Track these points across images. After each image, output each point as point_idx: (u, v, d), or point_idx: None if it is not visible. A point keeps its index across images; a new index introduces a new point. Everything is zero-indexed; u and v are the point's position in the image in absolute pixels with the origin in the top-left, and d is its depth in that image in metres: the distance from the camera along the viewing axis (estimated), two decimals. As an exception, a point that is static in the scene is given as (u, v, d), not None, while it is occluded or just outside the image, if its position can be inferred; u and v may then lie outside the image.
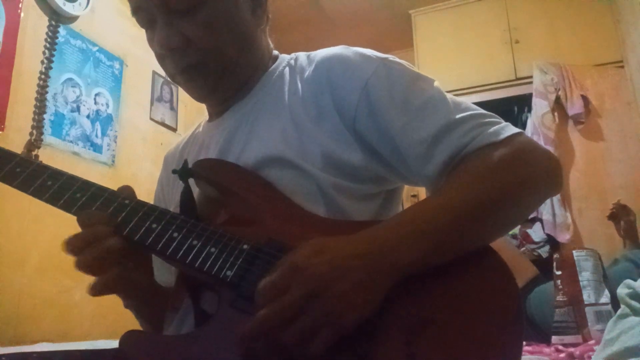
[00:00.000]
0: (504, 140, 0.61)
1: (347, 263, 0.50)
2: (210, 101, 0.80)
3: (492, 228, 0.59)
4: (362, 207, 0.68)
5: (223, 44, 0.70)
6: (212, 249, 0.58)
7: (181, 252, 0.58)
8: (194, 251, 0.58)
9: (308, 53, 0.76)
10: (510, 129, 0.62)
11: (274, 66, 0.78)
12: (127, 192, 0.64)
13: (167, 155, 0.92)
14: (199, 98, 0.77)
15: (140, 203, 0.63)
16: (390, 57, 0.70)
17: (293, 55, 0.79)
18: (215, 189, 0.67)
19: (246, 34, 0.73)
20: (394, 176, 0.69)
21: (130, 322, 0.80)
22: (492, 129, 0.62)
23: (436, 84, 0.68)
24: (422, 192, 2.93)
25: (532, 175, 0.60)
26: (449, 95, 0.67)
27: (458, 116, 0.63)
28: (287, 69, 0.76)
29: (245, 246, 0.58)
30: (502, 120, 0.65)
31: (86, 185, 0.64)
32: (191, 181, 0.68)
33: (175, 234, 0.59)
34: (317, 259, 0.50)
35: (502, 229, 0.62)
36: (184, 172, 0.66)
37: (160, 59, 0.72)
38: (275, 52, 0.82)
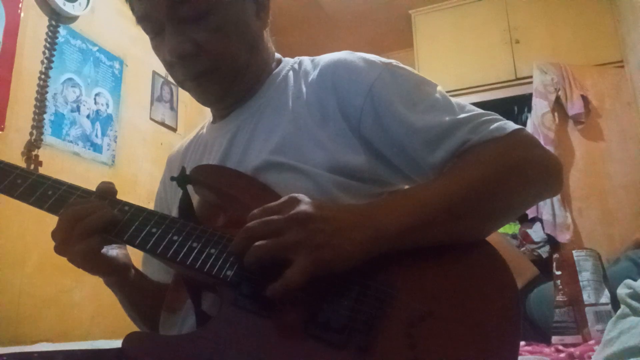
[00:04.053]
0: (506, 135, 0.64)
1: (336, 213, 0.55)
2: (218, 106, 0.79)
3: (485, 215, 0.61)
4: None
5: (234, 49, 0.70)
6: (212, 250, 0.58)
7: (181, 255, 0.58)
8: (194, 253, 0.58)
9: (312, 58, 0.77)
10: (512, 125, 0.66)
11: (277, 69, 0.79)
12: (107, 189, 0.66)
13: (170, 156, 0.92)
14: (208, 103, 0.77)
15: (139, 208, 0.64)
16: (394, 62, 0.72)
17: (297, 59, 0.80)
18: (212, 195, 0.68)
19: (254, 38, 0.74)
20: (398, 178, 0.70)
21: (131, 322, 0.80)
22: (495, 125, 0.65)
23: (439, 88, 0.70)
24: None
25: (528, 164, 0.63)
26: (452, 98, 0.69)
27: (463, 116, 0.66)
28: (290, 72, 0.77)
29: None
30: (504, 119, 0.68)
31: (86, 193, 0.66)
32: (190, 187, 0.68)
33: (175, 237, 0.60)
34: (314, 202, 0.56)
35: (496, 219, 0.64)
36: (182, 179, 0.67)
37: (169, 66, 0.72)
38: (278, 55, 0.82)
